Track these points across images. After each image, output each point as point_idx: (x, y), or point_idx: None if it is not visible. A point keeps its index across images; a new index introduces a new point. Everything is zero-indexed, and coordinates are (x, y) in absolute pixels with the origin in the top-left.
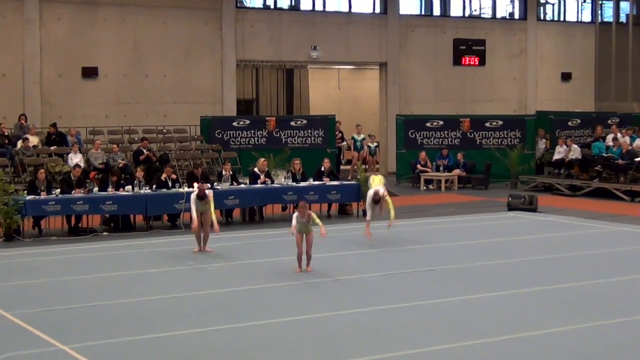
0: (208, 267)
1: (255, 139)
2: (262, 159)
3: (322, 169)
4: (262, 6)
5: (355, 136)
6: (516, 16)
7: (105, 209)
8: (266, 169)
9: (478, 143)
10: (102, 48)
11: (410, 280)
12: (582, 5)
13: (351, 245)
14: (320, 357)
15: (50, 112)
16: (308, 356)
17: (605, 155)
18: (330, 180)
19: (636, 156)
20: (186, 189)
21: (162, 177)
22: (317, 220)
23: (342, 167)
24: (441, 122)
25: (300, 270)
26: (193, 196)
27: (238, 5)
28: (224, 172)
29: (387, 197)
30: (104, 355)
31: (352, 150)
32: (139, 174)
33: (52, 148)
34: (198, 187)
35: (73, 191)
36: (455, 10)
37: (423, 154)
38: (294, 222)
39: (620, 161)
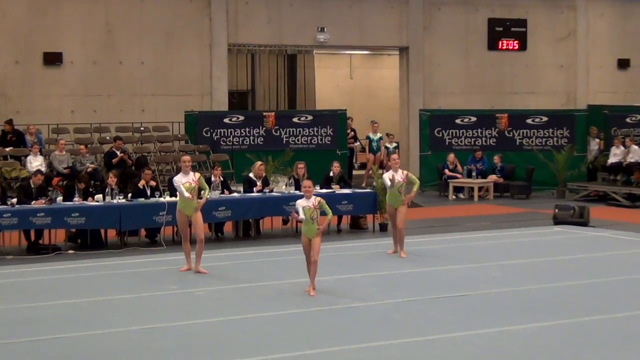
0: (194, 292)
1: (251, 138)
2: (259, 163)
3: (331, 174)
4: None
5: (371, 135)
6: None
7: (71, 223)
8: (264, 175)
9: (518, 143)
10: (68, 30)
11: (437, 307)
12: None
13: (366, 265)
14: None
15: (5, 107)
16: None
17: None
18: (341, 187)
19: None
20: (168, 198)
21: (139, 185)
22: (327, 209)
23: (354, 172)
24: (473, 119)
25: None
26: (177, 177)
27: None
28: (213, 178)
29: (410, 174)
30: None
31: (367, 152)
32: (112, 180)
33: (7, 149)
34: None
35: (32, 201)
36: None
37: (452, 157)
38: (299, 210)
39: None
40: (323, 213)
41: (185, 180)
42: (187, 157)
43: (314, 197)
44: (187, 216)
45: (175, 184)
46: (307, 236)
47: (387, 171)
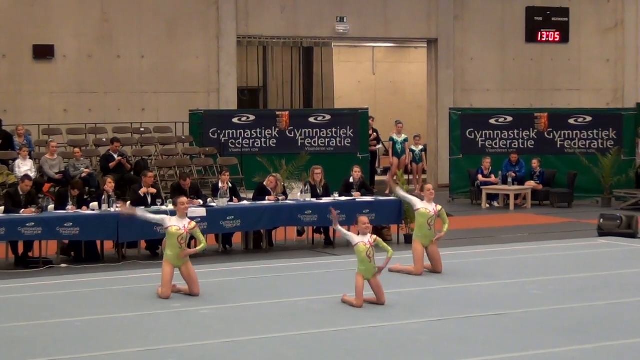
0: (200, 310)
1: (263, 140)
2: (273, 175)
3: (351, 180)
4: None
5: (395, 137)
6: None
7: (63, 233)
8: (282, 188)
9: (559, 146)
10: (60, 20)
11: (469, 328)
12: None
13: (390, 281)
14: None
15: None
16: None
17: None
18: (362, 195)
19: None
20: (171, 207)
21: (140, 192)
22: (385, 246)
23: (377, 177)
24: (510, 119)
25: None
26: (168, 218)
27: None
28: (220, 185)
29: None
30: None
31: (391, 155)
32: (108, 186)
33: None
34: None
35: (21, 210)
36: None
37: (488, 161)
38: (351, 238)
39: None
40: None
41: (175, 224)
42: (184, 199)
43: (369, 234)
44: (175, 267)
45: (161, 222)
46: (366, 276)
47: (417, 197)
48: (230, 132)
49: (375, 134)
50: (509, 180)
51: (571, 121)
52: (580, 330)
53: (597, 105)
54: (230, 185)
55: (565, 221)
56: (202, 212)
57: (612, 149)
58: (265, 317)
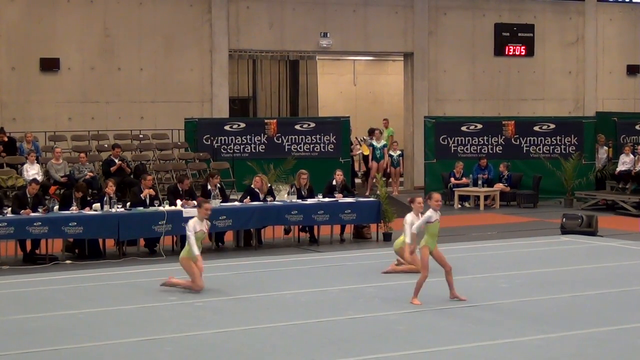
0: (194, 303)
1: (252, 146)
2: (259, 176)
3: (334, 182)
4: None
5: (375, 143)
6: None
7: (68, 232)
8: (267, 188)
9: (525, 151)
10: (65, 35)
11: (443, 319)
12: None
13: (370, 276)
14: None
15: (0, 114)
16: None
17: None
18: (344, 196)
19: None
20: (167, 207)
21: (142, 196)
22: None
23: (357, 180)
24: (480, 126)
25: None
26: (192, 222)
27: None
28: (209, 186)
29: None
30: None
31: (371, 160)
32: (110, 189)
33: (3, 157)
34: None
35: (26, 210)
36: None
37: (460, 165)
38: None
39: None
40: None
41: (199, 228)
42: (209, 205)
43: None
44: (192, 259)
45: (188, 231)
46: (432, 248)
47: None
48: (223, 138)
49: (356, 140)
50: (479, 182)
51: (536, 128)
52: (545, 320)
53: (560, 114)
54: (219, 186)
55: (531, 220)
56: (196, 212)
57: (573, 154)
58: (255, 309)
